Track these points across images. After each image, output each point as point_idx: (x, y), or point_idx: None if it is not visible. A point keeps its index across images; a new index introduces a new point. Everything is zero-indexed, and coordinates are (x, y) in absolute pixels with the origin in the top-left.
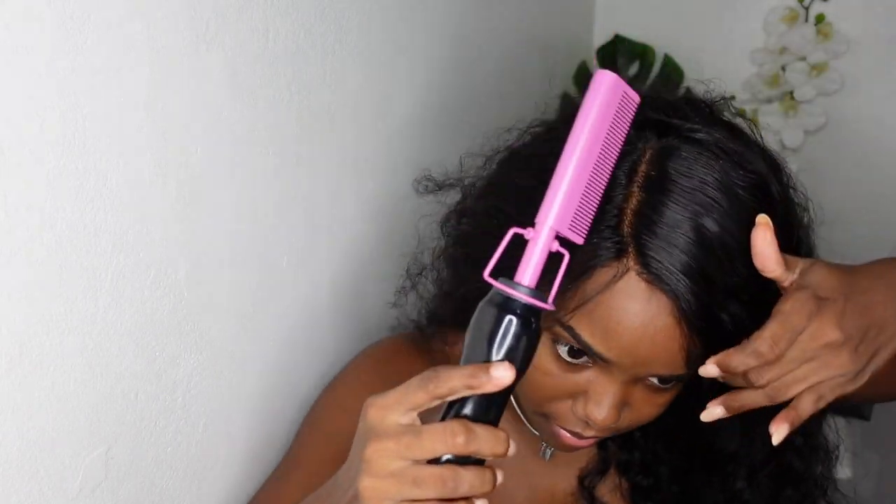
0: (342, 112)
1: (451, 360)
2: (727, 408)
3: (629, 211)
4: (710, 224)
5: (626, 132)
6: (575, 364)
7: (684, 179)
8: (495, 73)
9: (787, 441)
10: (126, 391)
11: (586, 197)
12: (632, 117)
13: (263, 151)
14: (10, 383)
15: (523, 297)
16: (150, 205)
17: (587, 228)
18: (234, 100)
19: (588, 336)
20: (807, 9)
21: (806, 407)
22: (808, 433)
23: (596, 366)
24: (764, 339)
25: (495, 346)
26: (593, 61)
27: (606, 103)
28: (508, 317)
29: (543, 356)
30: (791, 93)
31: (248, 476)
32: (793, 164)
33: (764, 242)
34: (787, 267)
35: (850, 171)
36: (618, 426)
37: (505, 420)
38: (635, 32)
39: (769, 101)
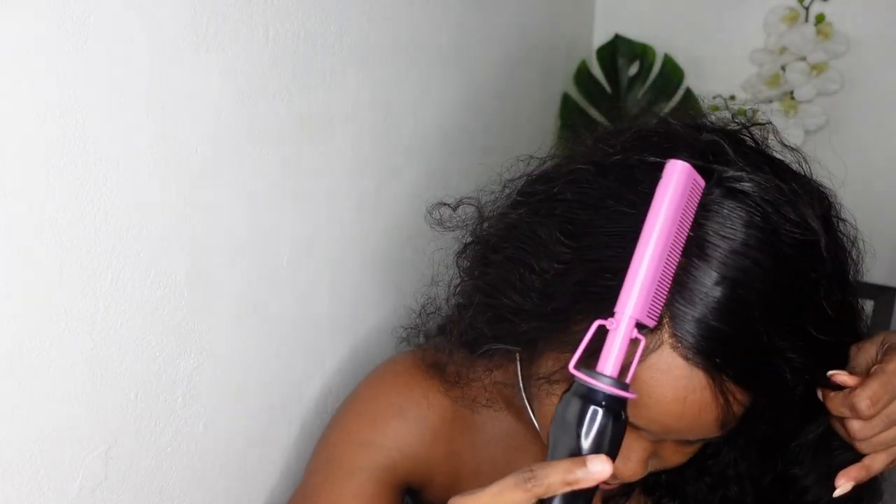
0: (342, 112)
1: (463, 385)
2: (848, 479)
3: None
4: (753, 291)
5: (693, 214)
6: None
7: (724, 242)
8: (495, 72)
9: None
10: (126, 391)
11: (661, 282)
12: (699, 199)
13: (263, 151)
14: (10, 383)
15: (610, 388)
16: (150, 205)
17: (659, 311)
18: (234, 100)
19: None
20: (807, 9)
21: (878, 466)
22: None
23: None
24: (863, 398)
25: (584, 437)
26: (593, 61)
27: (680, 193)
28: (596, 409)
29: None
30: (791, 93)
31: (248, 476)
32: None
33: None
34: (862, 358)
35: (851, 170)
36: (645, 474)
37: (529, 443)
38: (635, 32)
39: (769, 101)
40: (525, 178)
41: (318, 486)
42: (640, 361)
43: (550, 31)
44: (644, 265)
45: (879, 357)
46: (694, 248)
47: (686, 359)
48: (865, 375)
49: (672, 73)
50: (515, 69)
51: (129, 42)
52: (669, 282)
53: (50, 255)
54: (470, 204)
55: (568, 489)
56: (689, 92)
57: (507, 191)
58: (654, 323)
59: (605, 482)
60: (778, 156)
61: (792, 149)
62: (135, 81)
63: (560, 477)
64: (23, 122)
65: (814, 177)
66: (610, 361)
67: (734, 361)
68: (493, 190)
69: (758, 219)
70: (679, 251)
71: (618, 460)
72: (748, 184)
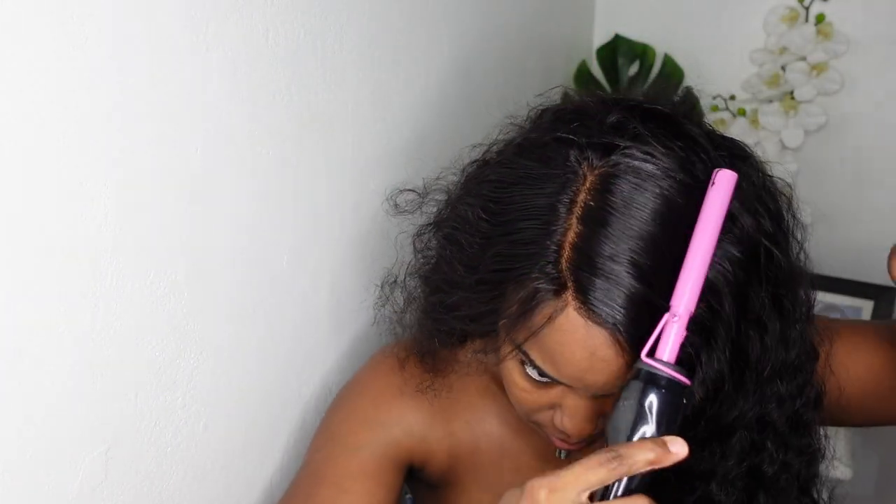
0: (342, 112)
1: (455, 367)
2: None
3: (567, 245)
4: (649, 257)
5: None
6: (545, 382)
7: (623, 209)
8: (495, 73)
9: (756, 445)
10: (126, 391)
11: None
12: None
13: (263, 151)
14: (10, 383)
15: (677, 375)
16: (150, 205)
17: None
18: (234, 100)
19: (541, 363)
20: (807, 9)
21: None
22: (784, 437)
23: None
24: None
25: (657, 420)
26: (593, 61)
27: (728, 200)
28: (666, 393)
29: (517, 374)
30: (791, 93)
31: (248, 476)
32: (793, 165)
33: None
34: None
35: (850, 171)
36: (600, 431)
37: (522, 421)
38: (635, 32)
39: (769, 101)
40: (472, 162)
41: (321, 463)
42: (548, 324)
43: (550, 31)
44: (698, 267)
45: None
46: (595, 217)
47: (587, 318)
48: None
49: (672, 73)
50: (515, 69)
51: (129, 42)
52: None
53: (50, 255)
54: (439, 190)
55: (650, 468)
56: (689, 92)
57: (462, 175)
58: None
59: (565, 440)
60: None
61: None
62: (135, 81)
63: (644, 456)
64: (22, 121)
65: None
66: (668, 349)
67: (630, 319)
68: (454, 174)
69: (656, 191)
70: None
71: (566, 419)
72: (649, 158)
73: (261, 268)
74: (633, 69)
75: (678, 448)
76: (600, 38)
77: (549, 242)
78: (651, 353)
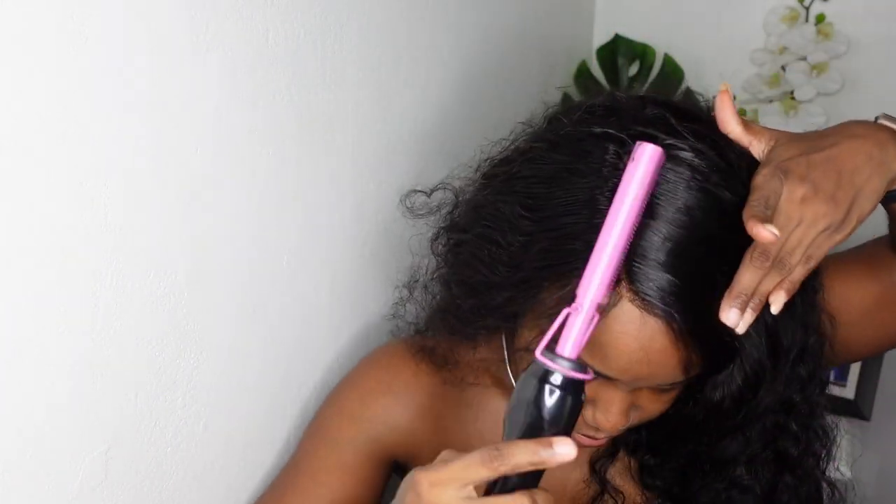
0: (342, 112)
1: (455, 364)
2: (742, 308)
3: None
4: (697, 246)
5: (651, 193)
6: None
7: (670, 203)
8: (495, 73)
9: (782, 428)
10: (126, 391)
11: (619, 263)
12: (658, 178)
13: (263, 151)
14: (10, 383)
15: (569, 371)
16: (150, 205)
17: (614, 288)
18: (234, 100)
19: (588, 358)
20: (807, 9)
21: (798, 269)
22: (803, 419)
23: (600, 377)
24: (750, 206)
25: (547, 419)
26: (593, 61)
27: (650, 178)
28: (554, 389)
29: None
30: (791, 93)
31: (248, 476)
32: None
33: (722, 105)
34: (752, 133)
35: None
36: (628, 426)
37: None
38: (635, 32)
39: (769, 101)
40: (489, 161)
41: (304, 455)
42: (603, 317)
43: (550, 31)
44: (607, 252)
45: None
46: (645, 209)
47: (643, 310)
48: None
49: (672, 73)
50: (515, 69)
51: (129, 42)
52: (624, 259)
53: (50, 255)
54: (446, 188)
55: (533, 468)
56: (689, 92)
57: (477, 175)
58: (608, 300)
59: (593, 437)
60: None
61: None
62: (135, 81)
63: (527, 457)
64: (23, 121)
65: None
66: (569, 344)
67: (685, 309)
68: (467, 175)
69: (699, 181)
70: (635, 228)
71: (599, 413)
72: (689, 151)
73: (261, 268)
74: (633, 69)
75: (565, 449)
76: (600, 38)
77: (595, 236)
78: (553, 347)
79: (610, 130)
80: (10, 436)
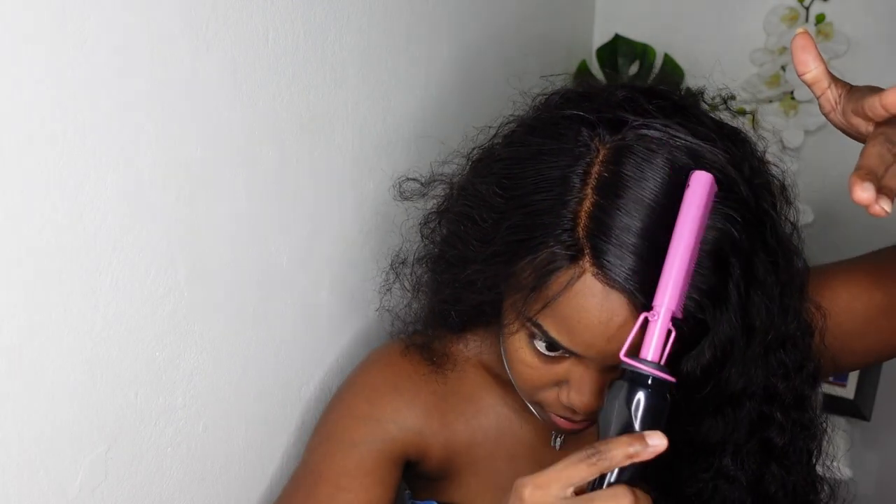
0: (342, 112)
1: (451, 360)
2: (876, 187)
3: (583, 214)
4: (660, 225)
5: (708, 216)
6: (553, 356)
7: (636, 180)
8: (495, 72)
9: (767, 417)
10: (126, 391)
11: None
12: (713, 204)
13: (263, 152)
14: (10, 383)
15: (657, 372)
16: (150, 205)
17: (683, 302)
18: (234, 100)
19: (555, 333)
20: (807, 9)
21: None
22: (789, 410)
23: (572, 357)
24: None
25: (636, 417)
26: (593, 61)
27: (707, 202)
28: (647, 391)
29: (524, 350)
30: (791, 93)
31: (248, 476)
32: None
33: (804, 44)
34: (831, 79)
35: (850, 171)
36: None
37: (516, 412)
38: (635, 32)
39: (769, 101)
40: (476, 148)
41: (318, 461)
42: (565, 290)
43: (550, 31)
44: (678, 265)
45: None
46: (610, 187)
47: (605, 283)
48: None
49: (672, 73)
50: (515, 69)
51: (129, 42)
52: (690, 276)
53: (50, 255)
54: (441, 181)
55: (629, 462)
56: (689, 91)
57: (467, 162)
58: (681, 314)
59: (570, 419)
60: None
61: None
62: (135, 81)
63: (623, 451)
64: (23, 122)
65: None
66: (652, 349)
67: (646, 285)
68: (457, 163)
69: (666, 160)
70: (697, 248)
71: (573, 393)
72: (657, 131)
73: (261, 268)
74: (633, 69)
75: (657, 441)
76: (600, 38)
77: (564, 212)
78: (636, 352)
79: (582, 113)
80: (10, 436)
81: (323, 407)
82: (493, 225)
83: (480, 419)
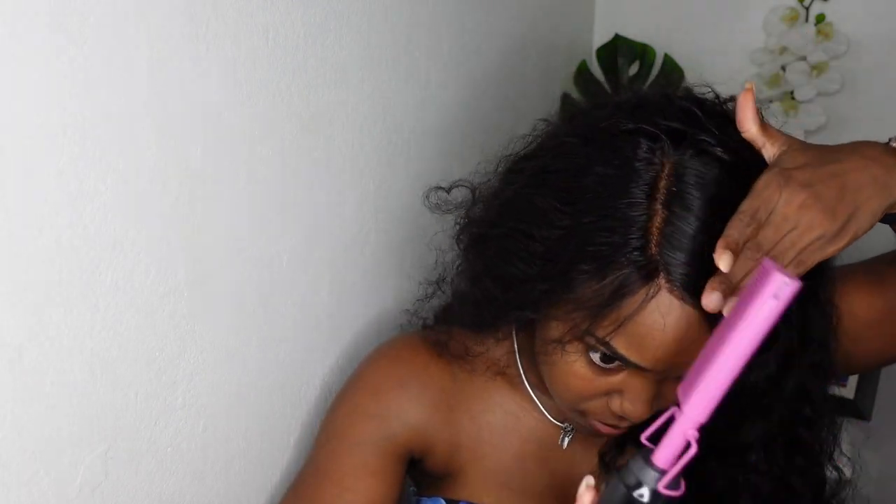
0: (342, 112)
1: (465, 357)
2: (725, 294)
3: (654, 230)
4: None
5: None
6: (609, 368)
7: (703, 193)
8: (495, 73)
9: (799, 413)
10: (126, 391)
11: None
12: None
13: (263, 152)
14: (10, 384)
15: (663, 489)
16: (150, 205)
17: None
18: (234, 100)
19: (624, 349)
20: (807, 9)
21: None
22: (816, 404)
23: (630, 367)
24: (743, 213)
25: None
26: (593, 61)
27: (779, 315)
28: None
29: (578, 364)
30: (791, 93)
31: (248, 476)
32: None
33: (745, 102)
34: (768, 136)
35: None
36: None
37: (523, 409)
38: (635, 32)
39: (769, 101)
40: (513, 156)
41: (324, 460)
42: (640, 310)
43: (550, 31)
44: (723, 377)
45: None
46: (679, 202)
47: (681, 299)
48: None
49: (672, 73)
50: (515, 69)
51: (129, 42)
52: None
53: (50, 255)
54: (464, 186)
55: None
56: (688, 90)
57: (499, 170)
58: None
59: (615, 425)
60: None
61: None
62: (135, 81)
63: None
64: (22, 121)
65: None
66: (665, 453)
67: None
68: (485, 171)
69: (727, 172)
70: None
71: (626, 403)
72: (718, 145)
73: (261, 268)
74: (633, 69)
75: None
76: (600, 38)
77: (633, 229)
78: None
79: (642, 125)
80: (10, 436)
81: (323, 406)
82: (558, 242)
83: (487, 416)
